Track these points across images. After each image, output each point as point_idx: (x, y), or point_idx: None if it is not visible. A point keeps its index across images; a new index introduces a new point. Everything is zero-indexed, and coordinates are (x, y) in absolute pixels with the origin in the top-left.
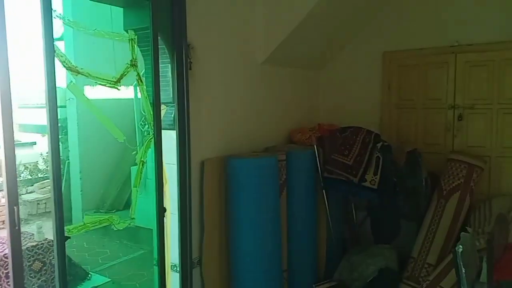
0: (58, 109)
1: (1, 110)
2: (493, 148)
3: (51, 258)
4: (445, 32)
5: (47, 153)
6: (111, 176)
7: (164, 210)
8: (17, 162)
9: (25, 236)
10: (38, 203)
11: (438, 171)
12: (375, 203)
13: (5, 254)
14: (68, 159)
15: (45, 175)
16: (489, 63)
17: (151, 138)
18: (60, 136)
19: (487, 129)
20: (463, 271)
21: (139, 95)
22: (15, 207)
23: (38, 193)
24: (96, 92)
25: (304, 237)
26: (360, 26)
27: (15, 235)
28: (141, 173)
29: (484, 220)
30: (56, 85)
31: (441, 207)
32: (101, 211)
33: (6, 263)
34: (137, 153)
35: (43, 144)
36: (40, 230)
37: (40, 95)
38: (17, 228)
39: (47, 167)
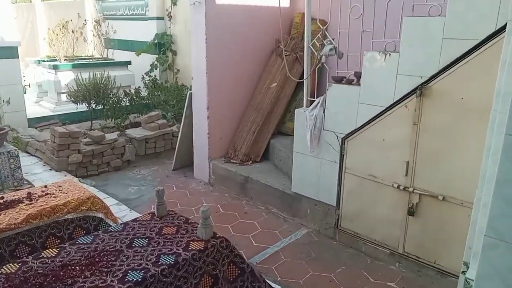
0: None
1: None
2: None
3: (224, 271)
4: None
5: (148, 76)
6: (247, 118)
7: None
8: (116, 85)
9: (173, 222)
10: (147, 142)
11: None
12: None
13: None
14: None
15: (148, 102)
16: None
17: None
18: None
19: None
20: None
21: None
22: None
23: (146, 129)
24: None
25: None
26: None
27: None
28: None
29: None
30: None
31: None
32: (233, 161)
33: None
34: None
35: (139, 64)
36: (206, 223)
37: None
38: None
39: (149, 94)
